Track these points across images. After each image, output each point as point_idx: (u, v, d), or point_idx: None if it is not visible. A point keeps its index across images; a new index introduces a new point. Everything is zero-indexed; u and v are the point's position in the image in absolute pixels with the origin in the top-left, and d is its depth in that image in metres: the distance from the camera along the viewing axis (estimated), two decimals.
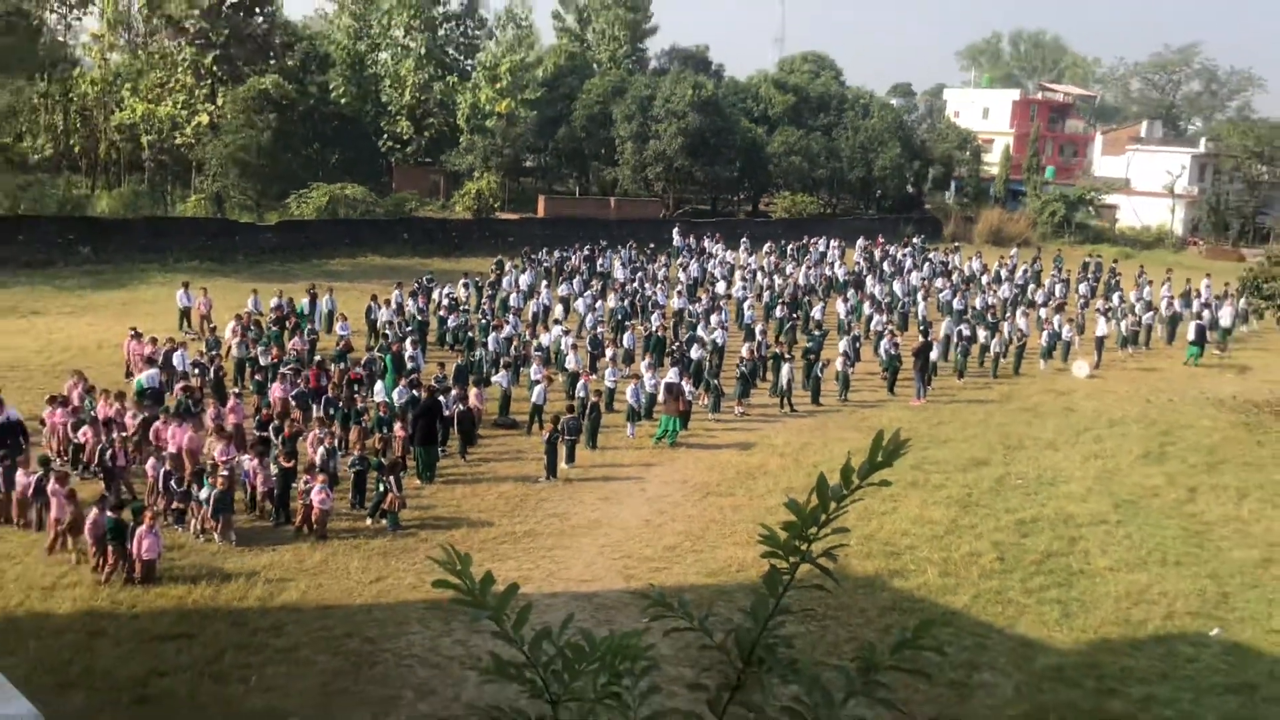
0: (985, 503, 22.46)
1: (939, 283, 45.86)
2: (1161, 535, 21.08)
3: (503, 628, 2.47)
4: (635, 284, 41.57)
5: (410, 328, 32.26)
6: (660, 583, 17.26)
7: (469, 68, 63.90)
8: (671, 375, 27.25)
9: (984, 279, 48.08)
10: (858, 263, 51.42)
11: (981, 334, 35.08)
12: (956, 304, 40.35)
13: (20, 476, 18.72)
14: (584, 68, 69.44)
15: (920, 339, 32.63)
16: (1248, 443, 27.92)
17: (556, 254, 47.55)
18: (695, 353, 30.81)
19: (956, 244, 61.17)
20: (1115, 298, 44.25)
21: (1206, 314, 39.60)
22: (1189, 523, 21.91)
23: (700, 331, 33.37)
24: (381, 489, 19.82)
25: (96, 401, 22.57)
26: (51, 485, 17.88)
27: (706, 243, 53.30)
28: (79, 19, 59.70)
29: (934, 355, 31.96)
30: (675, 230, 56.06)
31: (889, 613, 16.93)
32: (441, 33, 63.24)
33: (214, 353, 27.82)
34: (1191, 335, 37.91)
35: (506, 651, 2.43)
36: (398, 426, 23.05)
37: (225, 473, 19.02)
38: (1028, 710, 14.40)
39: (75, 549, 17.73)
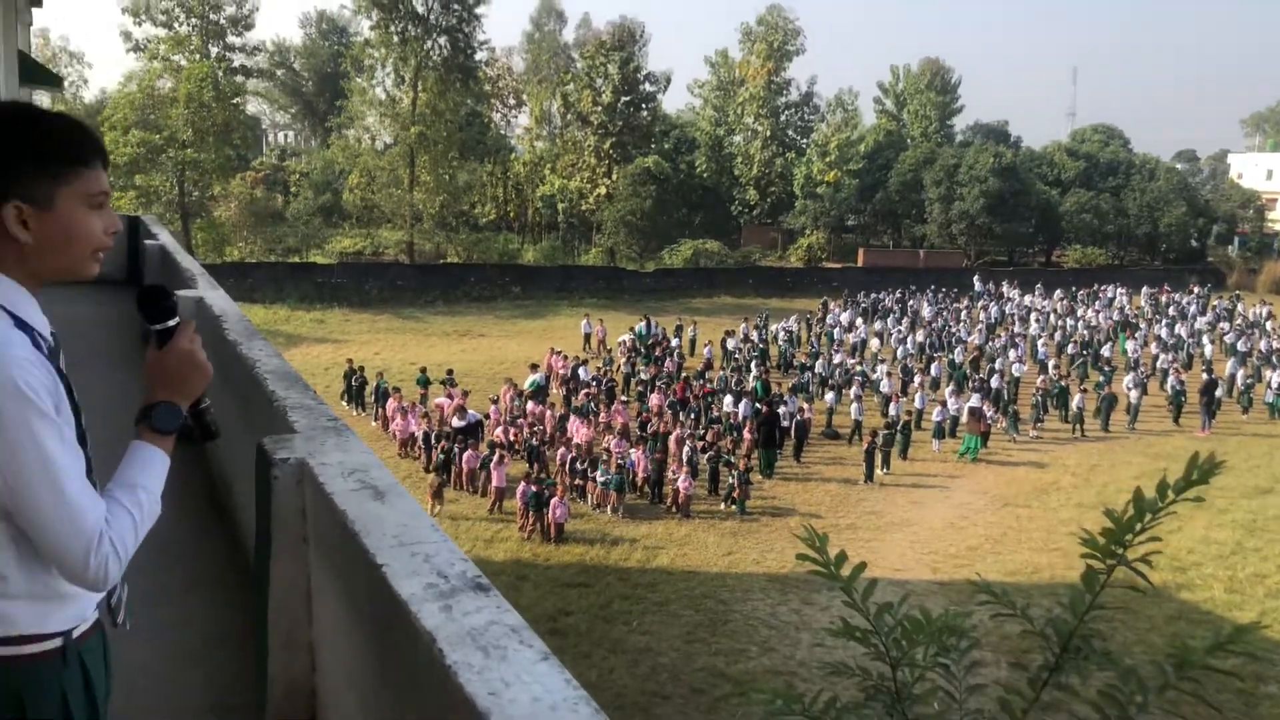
0: (1271, 529, 19.85)
1: (1223, 326, 41.26)
2: None
3: (853, 598, 2.42)
4: (940, 322, 40.02)
5: (755, 353, 32.55)
6: (962, 578, 16.47)
7: (804, 145, 63.88)
8: (974, 400, 25.98)
9: (1268, 324, 42.78)
10: (1141, 307, 47.17)
11: (1268, 374, 31.22)
12: (1241, 346, 36.11)
13: (469, 456, 20.25)
14: (899, 142, 67.70)
15: (1205, 376, 29.42)
16: None
17: (873, 296, 46.54)
18: (995, 382, 29.22)
19: (1238, 293, 54.80)
20: None
21: None
22: None
23: (999, 364, 31.65)
24: (732, 481, 20.07)
25: (525, 403, 24.17)
26: (494, 463, 19.26)
27: (1004, 288, 50.52)
28: (515, 116, 64.72)
29: (1219, 392, 28.71)
30: (976, 277, 53.46)
31: (1175, 621, 15.30)
32: (783, 118, 63.59)
33: (608, 368, 29.15)
34: None
35: (849, 617, 2.40)
36: (745, 431, 23.25)
37: (619, 461, 19.84)
38: None
39: (434, 507, 18.93)
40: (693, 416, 24.47)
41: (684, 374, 28.76)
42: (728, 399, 25.82)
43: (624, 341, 31.98)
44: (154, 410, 1.79)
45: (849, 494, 21.55)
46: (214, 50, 50.98)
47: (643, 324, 34.85)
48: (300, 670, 3.26)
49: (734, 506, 19.80)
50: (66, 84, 48.83)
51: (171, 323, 1.86)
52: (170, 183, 46.75)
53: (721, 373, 29.51)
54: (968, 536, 19.16)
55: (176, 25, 49.94)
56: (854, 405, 25.88)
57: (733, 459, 21.20)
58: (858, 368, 30.64)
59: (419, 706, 2.24)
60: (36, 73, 16.25)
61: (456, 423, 21.73)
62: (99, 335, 9.20)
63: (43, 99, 26.07)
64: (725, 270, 52.61)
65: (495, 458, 19.37)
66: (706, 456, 21.22)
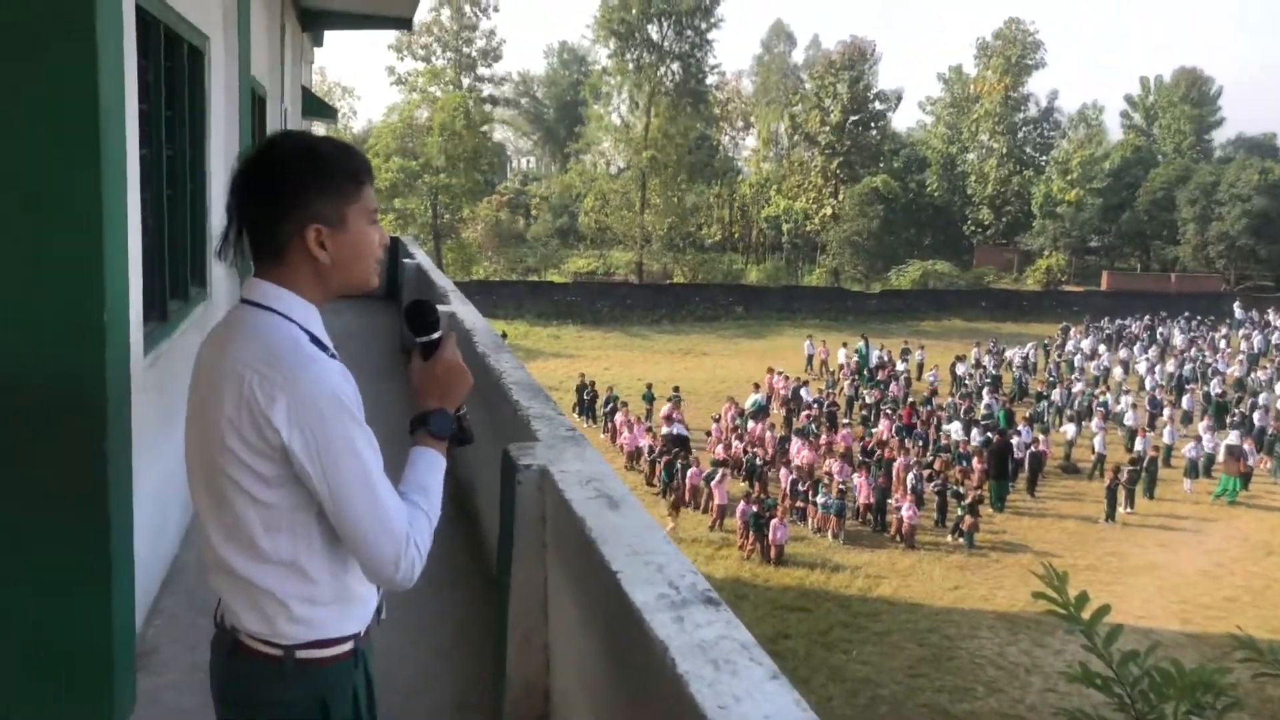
0: None
1: None
2: None
3: (1094, 643, 2.24)
4: (1194, 351, 36.81)
5: (987, 380, 31.13)
6: (1218, 632, 15.00)
7: (1043, 163, 60.72)
8: (1233, 438, 23.69)
9: None
10: None
11: None
12: None
13: (693, 472, 20.40)
14: (1149, 159, 62.91)
15: None
16: None
17: (1117, 322, 43.46)
18: (1258, 418, 26.54)
19: None
20: None
21: None
22: None
23: (1263, 399, 28.72)
24: (960, 512, 19.24)
25: (746, 422, 24.18)
26: (715, 481, 19.34)
27: (1271, 316, 45.90)
28: (743, 138, 65.17)
29: None
30: (1236, 304, 48.78)
31: None
32: (1020, 135, 60.74)
33: (830, 391, 28.70)
34: None
35: (1088, 662, 2.20)
36: (976, 462, 22.24)
37: (840, 485, 19.48)
38: None
39: (673, 524, 18.95)
40: (919, 444, 23.64)
41: (910, 399, 27.88)
42: (956, 426, 24.80)
43: (844, 366, 31.42)
44: (429, 417, 1.87)
45: (1087, 533, 20.15)
46: (466, 81, 54.40)
47: (862, 344, 34.12)
48: (536, 670, 3.39)
49: (961, 539, 18.95)
50: (339, 115, 53.49)
51: (435, 335, 1.95)
52: (425, 206, 50.18)
53: (950, 399, 28.38)
54: (1224, 586, 17.45)
55: (433, 59, 53.71)
56: (1096, 438, 24.19)
57: (961, 489, 20.33)
58: (1100, 398, 28.65)
59: (648, 713, 2.28)
60: (316, 105, 17.94)
61: (665, 429, 22.12)
62: (362, 346, 9.97)
63: (319, 129, 28.71)
64: (956, 292, 50.66)
65: (717, 475, 19.46)
66: (933, 486, 20.46)
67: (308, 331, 1.73)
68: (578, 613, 2.99)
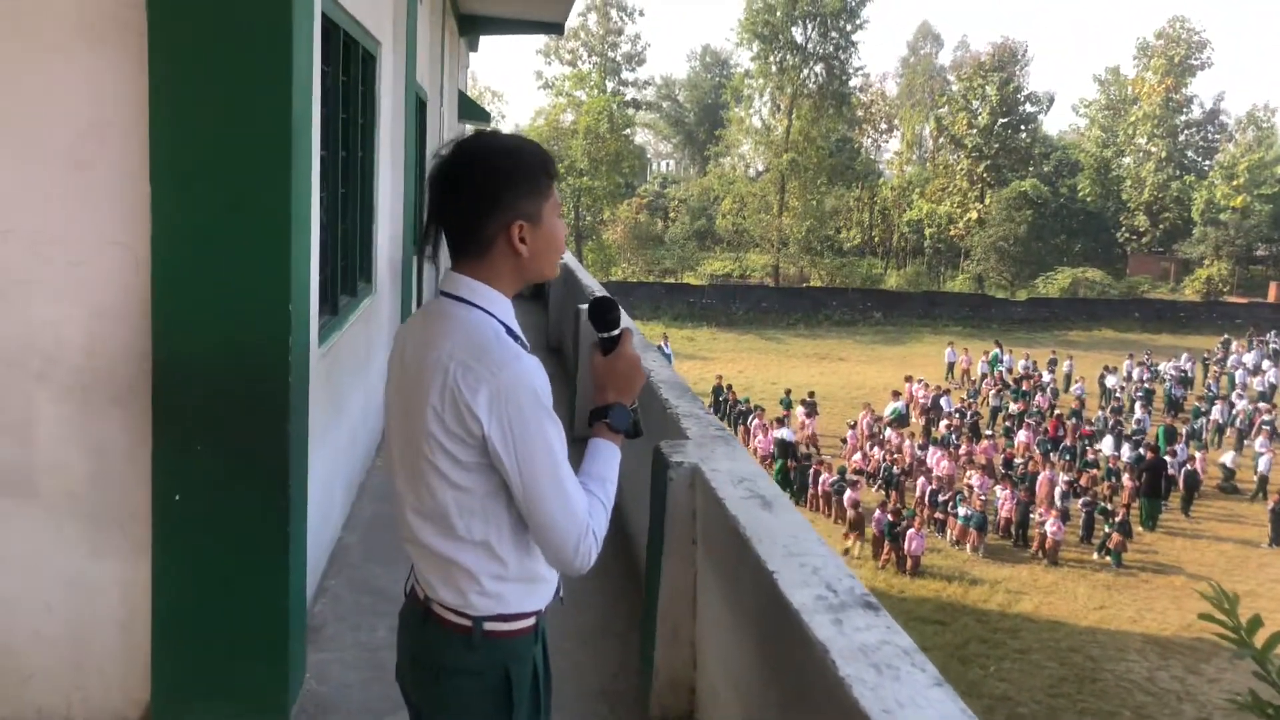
0: None
1: None
2: None
3: (1266, 670, 2.07)
4: None
5: (1140, 393, 29.56)
6: None
7: (1206, 168, 57.24)
8: None
9: None
10: None
11: None
12: None
13: (825, 478, 20.10)
14: None
15: None
16: None
17: None
18: None
19: None
20: None
21: None
22: None
23: None
24: (1108, 530, 18.33)
25: (885, 429, 23.66)
26: (848, 492, 18.99)
27: None
28: (886, 141, 63.80)
29: None
30: None
31: None
32: (1181, 138, 57.45)
33: (972, 400, 27.80)
34: None
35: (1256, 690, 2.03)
36: (1126, 478, 21.14)
37: (981, 497, 18.86)
38: None
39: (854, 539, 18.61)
40: (1066, 458, 22.63)
41: (1057, 411, 26.69)
42: (1107, 441, 23.61)
43: (989, 376, 30.37)
44: (610, 410, 1.93)
45: (1248, 557, 18.89)
46: (610, 85, 55.08)
47: (996, 351, 32.93)
48: (682, 665, 3.40)
49: (1109, 557, 18.05)
50: (490, 119, 55.06)
51: (617, 331, 1.99)
52: (568, 208, 51.08)
53: (1100, 413, 27.05)
54: None
55: (580, 63, 54.61)
56: (1261, 459, 22.63)
57: (1110, 506, 19.37)
58: (1265, 416, 26.79)
59: (804, 714, 2.26)
60: (471, 108, 18.47)
61: (774, 434, 22.03)
62: None
63: (470, 132, 29.59)
64: (1107, 301, 48.32)
65: (848, 485, 19.13)
66: (1081, 501, 19.55)
67: (504, 325, 1.82)
68: (728, 611, 2.98)
